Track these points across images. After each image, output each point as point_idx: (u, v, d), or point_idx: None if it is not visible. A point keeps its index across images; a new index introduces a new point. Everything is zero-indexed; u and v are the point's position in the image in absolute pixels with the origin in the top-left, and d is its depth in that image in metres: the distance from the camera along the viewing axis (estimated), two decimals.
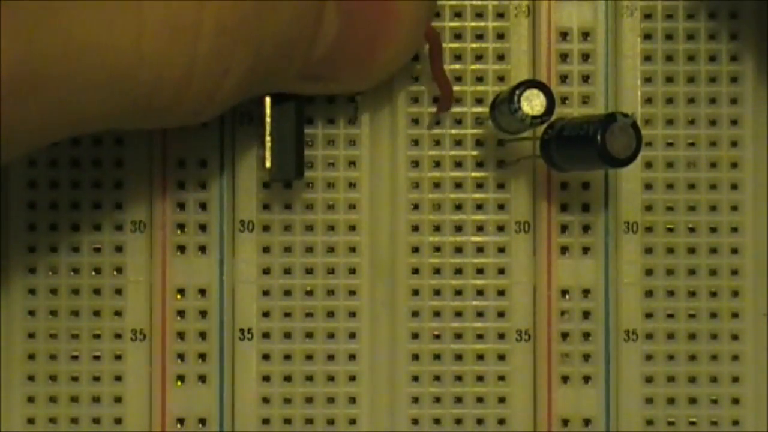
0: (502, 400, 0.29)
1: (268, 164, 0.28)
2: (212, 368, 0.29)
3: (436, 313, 0.29)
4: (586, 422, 0.30)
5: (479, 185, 0.30)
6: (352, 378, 0.29)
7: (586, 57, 0.30)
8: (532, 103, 0.26)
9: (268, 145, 0.28)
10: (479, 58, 0.30)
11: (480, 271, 0.30)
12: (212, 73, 0.24)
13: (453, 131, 0.30)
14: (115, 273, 0.29)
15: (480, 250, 0.30)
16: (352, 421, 0.29)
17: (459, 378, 0.29)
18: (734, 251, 0.30)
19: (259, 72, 0.25)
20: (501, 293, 0.29)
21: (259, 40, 0.25)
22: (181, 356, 0.29)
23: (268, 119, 0.28)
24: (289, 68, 0.26)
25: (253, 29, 0.25)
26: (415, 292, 0.29)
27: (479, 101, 0.29)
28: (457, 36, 0.29)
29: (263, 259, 0.29)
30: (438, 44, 0.28)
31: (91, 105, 0.24)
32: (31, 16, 0.22)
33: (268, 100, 0.28)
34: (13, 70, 0.22)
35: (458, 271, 0.30)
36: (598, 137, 0.25)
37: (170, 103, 0.25)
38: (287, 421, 0.29)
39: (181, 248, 0.29)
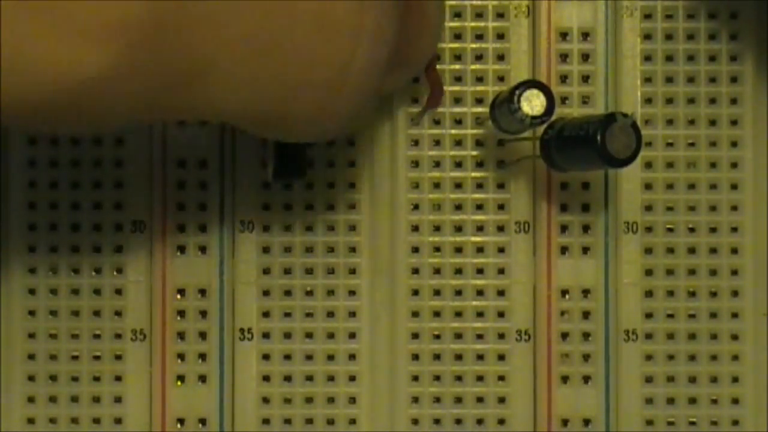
0: (502, 400, 0.29)
1: (270, 164, 0.28)
2: (212, 368, 0.29)
3: (436, 313, 0.29)
4: (586, 422, 0.30)
5: (479, 185, 0.30)
6: (352, 378, 0.29)
7: (586, 57, 0.30)
8: (532, 103, 0.26)
9: (271, 144, 0.28)
10: (479, 58, 0.30)
11: (480, 271, 0.30)
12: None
13: (453, 131, 0.30)
14: (115, 273, 0.29)
15: (480, 250, 0.30)
16: (352, 421, 0.29)
17: (459, 378, 0.29)
18: (734, 251, 0.30)
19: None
20: (501, 293, 0.29)
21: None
22: (181, 356, 0.29)
23: None
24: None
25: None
26: (415, 292, 0.29)
27: (479, 101, 0.29)
28: (457, 36, 0.29)
29: (263, 259, 0.29)
30: None
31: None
32: None
33: None
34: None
35: (458, 271, 0.30)
36: (598, 137, 0.25)
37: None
38: (287, 421, 0.29)
39: (181, 248, 0.29)
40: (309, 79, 0.23)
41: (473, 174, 0.29)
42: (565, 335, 0.30)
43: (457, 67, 0.29)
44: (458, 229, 0.30)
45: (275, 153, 0.28)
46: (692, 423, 0.29)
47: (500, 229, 0.30)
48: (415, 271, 0.29)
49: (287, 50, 0.23)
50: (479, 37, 0.30)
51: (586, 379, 0.30)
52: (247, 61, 0.23)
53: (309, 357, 0.29)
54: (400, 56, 0.25)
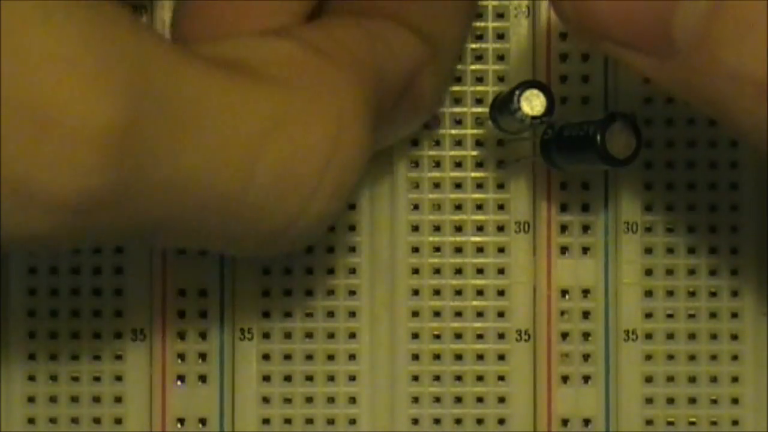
0: (502, 400, 0.29)
1: None
2: (212, 368, 0.29)
3: (436, 313, 0.29)
4: (586, 422, 0.30)
5: (479, 185, 0.30)
6: (352, 378, 0.29)
7: (585, 57, 0.30)
8: (532, 103, 0.26)
9: None
10: (479, 58, 0.30)
11: (480, 271, 0.30)
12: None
13: (453, 131, 0.30)
14: (115, 273, 0.29)
15: (480, 250, 0.30)
16: (352, 421, 0.29)
17: (459, 378, 0.30)
18: (734, 251, 0.30)
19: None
20: (501, 293, 0.29)
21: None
22: (181, 356, 0.29)
23: None
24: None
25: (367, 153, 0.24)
26: (415, 292, 0.29)
27: (479, 101, 0.29)
28: None
29: (263, 260, 0.29)
30: None
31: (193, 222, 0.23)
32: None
33: None
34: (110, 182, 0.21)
35: (458, 271, 0.30)
36: (598, 137, 0.25)
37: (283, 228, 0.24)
38: (287, 421, 0.29)
39: (181, 248, 0.29)
40: (259, 229, 0.23)
41: (473, 174, 0.29)
42: (565, 335, 0.30)
43: (458, 67, 0.29)
44: (458, 229, 0.30)
45: None
46: (692, 423, 0.29)
47: (500, 229, 0.30)
48: (415, 271, 0.29)
49: (240, 211, 0.23)
50: (479, 37, 0.30)
51: (586, 379, 0.30)
52: (199, 221, 0.22)
53: (309, 357, 0.29)
54: (391, 128, 0.25)
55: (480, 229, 0.30)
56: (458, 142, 0.30)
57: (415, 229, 0.30)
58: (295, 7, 0.25)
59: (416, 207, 0.30)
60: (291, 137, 0.23)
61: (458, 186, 0.30)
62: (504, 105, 0.27)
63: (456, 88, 0.29)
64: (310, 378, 0.29)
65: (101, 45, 0.20)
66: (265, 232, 0.23)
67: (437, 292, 0.29)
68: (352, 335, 0.29)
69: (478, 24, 0.29)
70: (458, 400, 0.30)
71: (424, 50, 0.26)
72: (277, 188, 0.23)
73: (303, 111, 0.23)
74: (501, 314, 0.30)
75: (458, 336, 0.29)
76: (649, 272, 0.30)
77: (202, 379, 0.29)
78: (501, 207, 0.30)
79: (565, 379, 0.30)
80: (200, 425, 0.29)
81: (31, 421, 0.29)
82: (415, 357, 0.29)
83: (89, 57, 0.20)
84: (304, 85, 0.23)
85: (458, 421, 0.29)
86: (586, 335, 0.30)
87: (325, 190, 0.23)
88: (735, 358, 0.30)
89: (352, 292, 0.29)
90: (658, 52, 0.23)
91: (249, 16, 0.25)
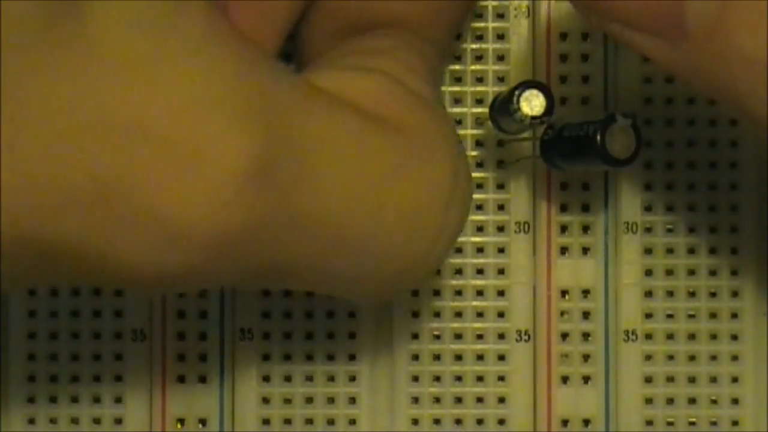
0: (502, 400, 0.29)
1: None
2: (212, 368, 0.29)
3: (436, 314, 0.29)
4: (586, 422, 0.30)
5: (479, 185, 0.30)
6: (352, 378, 0.29)
7: (585, 57, 0.30)
8: (532, 103, 0.26)
9: None
10: (479, 58, 0.30)
11: (480, 271, 0.30)
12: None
13: None
14: None
15: (480, 250, 0.30)
16: (352, 421, 0.29)
17: (459, 378, 0.29)
18: (734, 251, 0.30)
19: None
20: (501, 293, 0.29)
21: None
22: (181, 356, 0.29)
23: None
24: None
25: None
26: (415, 293, 0.29)
27: (479, 101, 0.29)
28: (457, 36, 0.29)
29: None
30: None
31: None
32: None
33: None
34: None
35: (458, 272, 0.29)
36: (598, 137, 0.25)
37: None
38: (287, 422, 0.29)
39: None
40: (389, 269, 0.23)
41: (473, 174, 0.29)
42: (565, 335, 0.30)
43: (457, 67, 0.29)
44: None
45: None
46: (692, 423, 0.29)
47: (500, 229, 0.30)
48: None
49: (370, 249, 0.23)
50: (479, 38, 0.30)
51: (586, 379, 0.30)
52: (328, 261, 0.22)
53: (309, 357, 0.29)
54: None
55: (480, 229, 0.30)
56: None
57: None
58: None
59: None
60: (417, 176, 0.23)
61: None
62: (504, 105, 0.27)
63: (456, 88, 0.29)
64: (310, 378, 0.29)
65: (245, 83, 0.20)
66: (392, 273, 0.23)
67: (437, 293, 0.29)
68: (352, 335, 0.29)
69: (478, 24, 0.29)
70: (458, 400, 0.29)
71: (439, 60, 0.26)
72: (407, 227, 0.23)
73: (424, 149, 0.23)
74: (501, 314, 0.29)
75: (458, 336, 0.29)
76: (649, 272, 0.30)
77: (202, 379, 0.29)
78: (501, 207, 0.30)
79: (565, 379, 0.30)
80: (200, 425, 0.29)
81: (31, 421, 0.29)
82: (415, 357, 0.29)
83: (234, 94, 0.20)
84: (418, 123, 0.23)
85: (458, 422, 0.29)
86: (586, 335, 0.30)
87: (449, 227, 0.23)
88: (735, 358, 0.30)
89: None
90: (668, 35, 0.23)
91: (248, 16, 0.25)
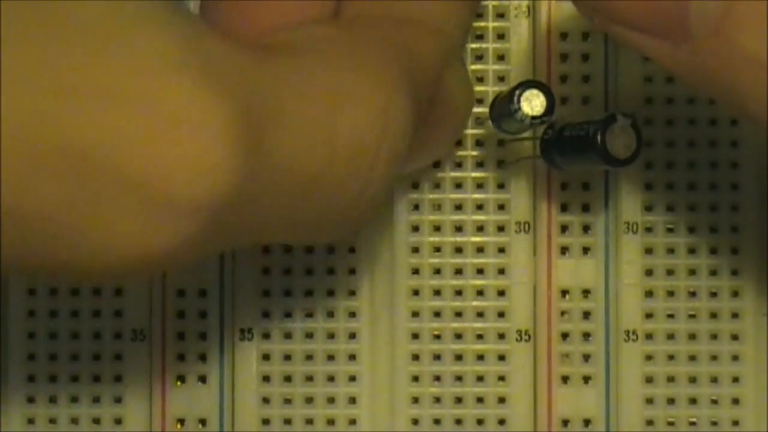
0: (502, 400, 0.29)
1: None
2: (212, 368, 0.29)
3: (436, 314, 0.29)
4: (586, 422, 0.30)
5: (479, 185, 0.30)
6: (352, 378, 0.29)
7: (586, 57, 0.30)
8: (532, 103, 0.26)
9: None
10: (479, 58, 0.30)
11: (480, 271, 0.29)
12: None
13: None
14: None
15: (480, 250, 0.29)
16: (352, 421, 0.29)
17: (459, 378, 0.29)
18: (734, 251, 0.30)
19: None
20: (501, 293, 0.29)
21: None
22: (181, 356, 0.29)
23: None
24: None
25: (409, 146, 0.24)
26: (415, 292, 0.29)
27: (479, 101, 0.29)
28: None
29: (263, 260, 0.29)
30: None
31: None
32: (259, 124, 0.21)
33: None
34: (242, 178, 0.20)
35: (458, 271, 0.29)
36: (599, 137, 0.25)
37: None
38: (287, 421, 0.29)
39: None
40: (336, 207, 0.23)
41: (473, 174, 0.29)
42: (565, 335, 0.30)
43: None
44: (458, 229, 0.30)
45: None
46: (692, 423, 0.29)
47: (500, 229, 0.30)
48: (415, 271, 0.29)
49: (324, 190, 0.23)
50: (479, 37, 0.30)
51: (586, 379, 0.30)
52: (295, 209, 0.23)
53: (309, 357, 0.29)
54: (420, 147, 0.25)
55: (480, 229, 0.30)
56: (458, 142, 0.30)
57: (415, 229, 0.29)
58: (320, 6, 0.25)
59: (416, 207, 0.30)
60: (355, 110, 0.23)
61: (458, 186, 0.30)
62: (504, 105, 0.27)
63: None
64: (310, 378, 0.29)
65: (202, 45, 0.20)
66: (341, 208, 0.23)
67: (437, 292, 0.29)
68: (352, 335, 0.29)
69: (478, 24, 0.29)
70: (458, 400, 0.29)
71: (444, 48, 0.26)
72: (352, 159, 0.23)
73: (358, 85, 0.23)
74: (501, 314, 0.29)
75: (458, 336, 0.29)
76: (649, 272, 0.30)
77: (202, 379, 0.29)
78: (501, 207, 0.30)
79: (565, 379, 0.30)
80: (200, 425, 0.29)
81: (31, 421, 0.29)
82: (415, 357, 0.29)
83: (195, 56, 0.20)
84: (352, 61, 0.23)
85: (458, 422, 0.29)
86: (586, 335, 0.30)
87: (383, 156, 0.23)
88: (735, 358, 0.30)
89: (352, 292, 0.29)
90: (672, 36, 0.23)
91: (283, 14, 0.25)
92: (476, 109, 0.29)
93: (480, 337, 0.30)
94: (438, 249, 0.30)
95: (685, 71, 0.23)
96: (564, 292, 0.30)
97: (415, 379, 0.29)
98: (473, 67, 0.29)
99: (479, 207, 0.30)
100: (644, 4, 0.23)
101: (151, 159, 0.19)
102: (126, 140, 0.19)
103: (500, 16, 0.30)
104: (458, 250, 0.29)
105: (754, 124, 0.23)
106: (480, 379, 0.29)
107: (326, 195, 0.23)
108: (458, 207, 0.30)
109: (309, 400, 0.29)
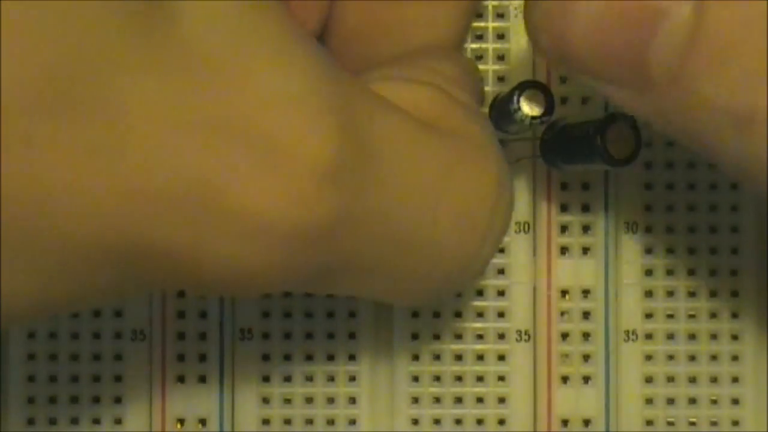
0: (502, 400, 0.29)
1: None
2: (212, 368, 0.29)
3: (436, 314, 0.29)
4: (586, 422, 0.30)
5: None
6: (352, 378, 0.29)
7: None
8: (532, 103, 0.26)
9: None
10: (479, 58, 0.30)
11: None
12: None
13: None
14: None
15: None
16: (352, 421, 0.29)
17: (459, 378, 0.29)
18: (734, 251, 0.30)
19: None
20: (501, 293, 0.29)
21: None
22: (181, 356, 0.29)
23: None
24: None
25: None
26: None
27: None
28: None
29: None
30: None
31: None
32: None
33: None
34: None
35: None
36: (598, 137, 0.25)
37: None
38: (287, 422, 0.29)
39: None
40: (440, 269, 0.24)
41: None
42: (565, 335, 0.30)
43: None
44: None
45: None
46: (692, 423, 0.29)
47: None
48: None
49: (425, 250, 0.23)
50: (479, 37, 0.30)
51: (586, 379, 0.30)
52: (388, 262, 0.23)
53: (309, 357, 0.29)
54: None
55: None
56: None
57: None
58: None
59: None
60: (467, 179, 0.23)
61: None
62: (504, 105, 0.27)
63: None
64: (310, 378, 0.29)
65: (323, 82, 0.21)
66: (443, 275, 0.24)
67: None
68: (352, 335, 0.29)
69: (478, 24, 0.29)
70: (458, 400, 0.29)
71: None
72: (459, 228, 0.23)
73: (473, 154, 0.24)
74: (501, 314, 0.29)
75: (458, 336, 0.29)
76: (649, 272, 0.30)
77: (202, 379, 0.29)
78: None
79: (565, 379, 0.30)
80: (200, 425, 0.29)
81: (31, 421, 0.29)
82: (415, 357, 0.29)
83: (313, 94, 0.20)
84: (466, 129, 0.24)
85: (458, 422, 0.29)
86: (586, 335, 0.30)
87: (495, 230, 0.24)
88: (735, 358, 0.30)
89: None
90: (635, 86, 0.23)
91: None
92: None
93: (480, 337, 0.30)
94: None
95: (653, 119, 0.24)
96: (564, 292, 0.30)
97: (415, 379, 0.29)
98: None
99: None
100: (606, 56, 0.23)
101: (255, 190, 0.20)
102: (237, 173, 0.20)
103: (500, 16, 0.30)
104: None
105: (723, 168, 0.23)
106: (480, 379, 0.29)
107: (429, 256, 0.23)
108: None
109: (309, 400, 0.29)
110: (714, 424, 0.29)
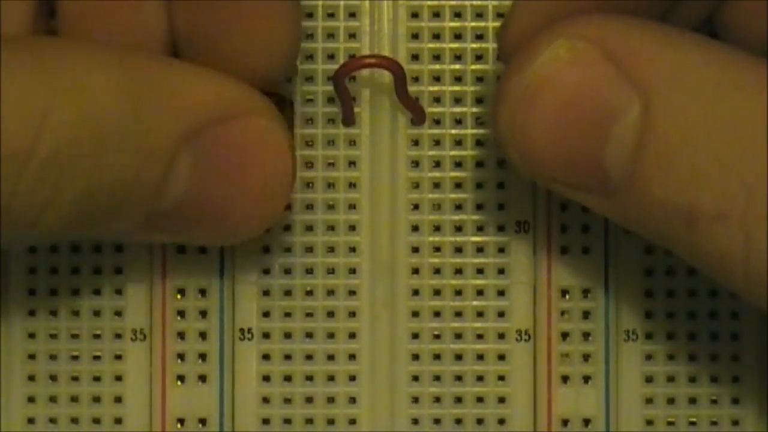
0: (502, 400, 0.29)
1: None
2: (212, 368, 0.29)
3: (436, 314, 0.29)
4: (586, 422, 0.30)
5: (479, 185, 0.30)
6: (352, 378, 0.29)
7: None
8: None
9: None
10: (479, 58, 0.30)
11: (480, 271, 0.30)
12: (34, 202, 0.24)
13: (453, 131, 0.30)
14: (115, 273, 0.29)
15: (480, 250, 0.30)
16: (352, 421, 0.29)
17: (459, 378, 0.30)
18: None
19: (89, 214, 0.24)
20: (501, 293, 0.29)
21: (91, 180, 0.24)
22: (181, 356, 0.29)
23: None
24: (129, 217, 0.25)
25: (87, 167, 0.24)
26: (415, 292, 0.29)
27: (479, 101, 0.29)
28: (457, 36, 0.29)
29: (263, 260, 0.29)
30: (400, 74, 0.28)
31: None
32: None
33: None
34: None
35: (458, 271, 0.29)
36: None
37: None
38: (287, 421, 0.29)
39: (181, 248, 0.29)
40: None
41: (473, 174, 0.29)
42: (565, 335, 0.30)
43: (458, 67, 0.29)
44: (458, 229, 0.30)
45: None
46: (692, 423, 0.29)
47: (500, 229, 0.30)
48: (415, 271, 0.29)
49: None
50: (479, 37, 0.30)
51: (587, 379, 0.30)
52: None
53: (309, 357, 0.29)
54: None
55: (480, 229, 0.30)
56: (458, 142, 0.30)
57: (415, 229, 0.29)
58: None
59: (416, 207, 0.29)
60: None
61: (458, 186, 0.30)
62: None
63: (456, 87, 0.29)
64: (310, 378, 0.29)
65: None
66: None
67: (437, 292, 0.29)
68: (352, 335, 0.29)
69: (478, 24, 0.29)
70: (458, 400, 0.30)
71: None
72: None
73: None
74: (501, 314, 0.29)
75: (458, 336, 0.29)
76: (648, 272, 0.30)
77: (202, 379, 0.29)
78: (501, 206, 0.30)
79: (565, 379, 0.30)
80: (200, 425, 0.29)
81: (31, 421, 0.29)
82: (415, 357, 0.29)
83: None
84: None
85: (458, 421, 0.29)
86: (586, 335, 0.30)
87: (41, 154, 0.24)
88: (735, 358, 0.30)
89: (352, 292, 0.29)
90: (600, 191, 0.24)
91: None
92: (476, 109, 0.29)
93: (480, 336, 0.30)
94: (438, 249, 0.30)
95: (623, 222, 0.25)
96: (564, 292, 0.30)
97: (415, 378, 0.30)
98: (473, 66, 0.29)
99: (479, 207, 0.30)
100: (569, 162, 0.24)
101: None
102: None
103: (500, 16, 0.30)
104: (458, 249, 0.29)
105: (691, 264, 0.24)
106: (480, 378, 0.30)
107: None
108: (458, 207, 0.30)
109: (309, 399, 0.29)
110: (714, 423, 0.29)
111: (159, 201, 0.25)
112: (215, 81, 0.25)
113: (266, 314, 0.29)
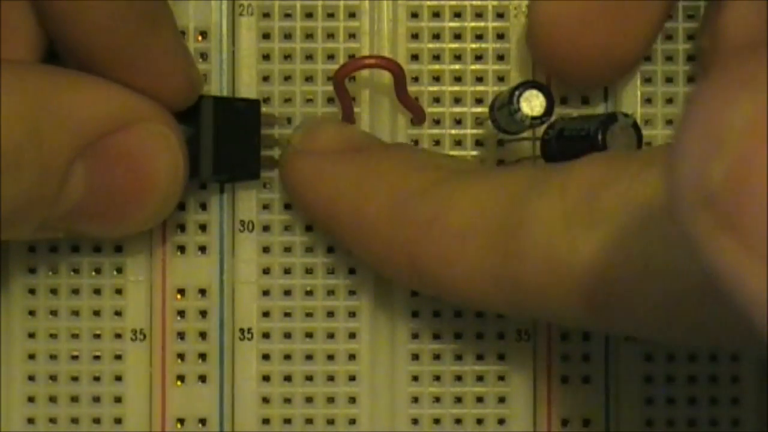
0: (501, 399, 0.29)
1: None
2: (212, 368, 0.29)
3: (436, 313, 0.29)
4: (585, 422, 0.30)
5: None
6: (352, 378, 0.29)
7: None
8: (532, 103, 0.26)
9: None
10: (479, 58, 0.30)
11: None
12: None
13: (453, 131, 0.30)
14: (115, 273, 0.29)
15: None
16: (352, 421, 0.29)
17: (459, 378, 0.29)
18: None
19: None
20: None
21: None
22: (181, 356, 0.29)
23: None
24: (26, 224, 0.26)
25: None
26: (415, 292, 0.29)
27: (479, 101, 0.29)
28: (457, 36, 0.29)
29: (263, 259, 0.29)
30: (399, 74, 0.28)
31: None
32: None
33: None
34: None
35: None
36: (599, 137, 0.25)
37: None
38: (287, 421, 0.29)
39: (181, 248, 0.29)
40: None
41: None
42: (564, 335, 0.30)
43: (457, 67, 0.29)
44: None
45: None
46: (692, 423, 0.29)
47: None
48: None
49: None
50: (479, 37, 0.30)
51: (585, 379, 0.30)
52: None
53: (309, 357, 0.29)
54: None
55: None
56: (458, 142, 0.30)
57: None
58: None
59: None
60: None
61: None
62: (504, 105, 0.27)
63: (456, 88, 0.29)
64: (310, 378, 0.29)
65: None
66: None
67: None
68: (352, 335, 0.29)
69: (478, 24, 0.29)
70: (458, 400, 0.30)
71: None
72: None
73: None
74: (500, 314, 0.29)
75: (458, 336, 0.29)
76: None
77: (202, 379, 0.29)
78: None
79: (564, 379, 0.30)
80: (200, 425, 0.29)
81: (30, 421, 0.29)
82: (415, 357, 0.29)
83: None
84: None
85: (458, 421, 0.29)
86: (584, 335, 0.30)
87: None
88: (735, 358, 0.30)
89: (352, 292, 0.29)
90: None
91: None
92: (476, 109, 0.29)
93: (479, 336, 0.30)
94: None
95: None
96: None
97: (415, 379, 0.30)
98: (473, 67, 0.29)
99: None
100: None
101: None
102: None
103: (500, 16, 0.30)
104: None
105: None
106: (480, 378, 0.30)
107: None
108: None
109: (309, 399, 0.29)
110: (714, 423, 0.29)
111: (55, 208, 0.26)
112: (108, 93, 0.26)
113: (266, 314, 0.29)
